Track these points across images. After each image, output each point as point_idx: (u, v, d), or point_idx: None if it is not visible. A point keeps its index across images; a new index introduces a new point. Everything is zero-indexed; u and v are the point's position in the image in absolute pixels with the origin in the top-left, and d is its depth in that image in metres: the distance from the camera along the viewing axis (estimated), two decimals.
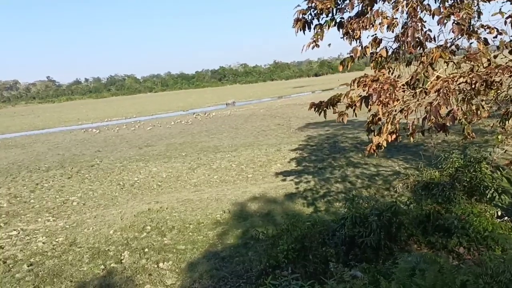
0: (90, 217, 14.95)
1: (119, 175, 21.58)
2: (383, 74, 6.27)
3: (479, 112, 6.47)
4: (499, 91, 7.41)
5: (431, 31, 6.20)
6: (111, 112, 77.48)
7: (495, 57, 6.09)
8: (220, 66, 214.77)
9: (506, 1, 6.38)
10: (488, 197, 10.20)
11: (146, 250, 11.58)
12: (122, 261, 11.05)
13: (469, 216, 7.95)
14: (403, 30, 6.70)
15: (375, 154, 6.79)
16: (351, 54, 7.05)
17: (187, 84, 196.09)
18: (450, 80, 5.75)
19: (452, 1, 6.62)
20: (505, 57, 6.01)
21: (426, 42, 6.75)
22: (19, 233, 13.96)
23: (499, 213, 9.42)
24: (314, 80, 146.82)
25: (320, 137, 27.28)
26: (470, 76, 5.70)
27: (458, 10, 5.82)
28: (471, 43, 6.30)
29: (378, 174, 16.93)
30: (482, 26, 6.75)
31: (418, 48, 6.78)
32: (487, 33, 6.52)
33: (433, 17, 6.16)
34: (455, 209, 8.42)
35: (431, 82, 6.14)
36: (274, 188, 16.24)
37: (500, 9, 5.97)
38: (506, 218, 9.34)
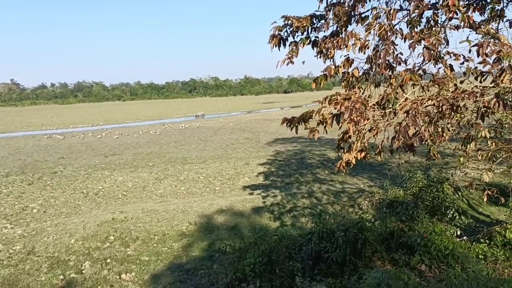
0: (50, 226, 14.44)
1: (83, 183, 21.01)
2: (355, 93, 6.44)
3: (444, 134, 6.74)
4: (462, 115, 7.78)
5: (402, 54, 6.45)
6: (77, 118, 75.60)
7: (461, 82, 6.37)
8: (191, 78, 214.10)
9: (472, 31, 6.72)
10: (449, 217, 10.56)
11: (109, 260, 11.29)
12: (83, 271, 10.73)
13: (431, 234, 8.20)
14: (374, 52, 6.95)
15: (344, 171, 6.93)
16: (325, 73, 7.22)
17: (156, 94, 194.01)
18: (418, 102, 5.97)
19: (422, 27, 6.94)
20: (471, 83, 6.30)
21: (395, 65, 7.03)
22: None
23: (459, 233, 9.76)
24: (284, 97, 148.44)
25: (288, 152, 27.51)
26: (438, 99, 5.94)
27: (428, 36, 6.07)
28: (438, 68, 6.58)
29: (343, 191, 17.22)
30: (448, 53, 7.08)
31: (388, 70, 7.04)
32: (453, 59, 6.84)
33: (404, 41, 6.40)
34: (418, 227, 8.67)
35: (400, 104, 6.36)
36: (241, 201, 16.23)
37: (468, 37, 6.27)
38: (465, 237, 9.70)
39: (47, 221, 15.16)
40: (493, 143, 8.50)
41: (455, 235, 9.56)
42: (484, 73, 6.02)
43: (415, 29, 6.72)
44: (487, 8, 7.94)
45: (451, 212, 10.48)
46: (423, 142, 5.93)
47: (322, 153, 26.20)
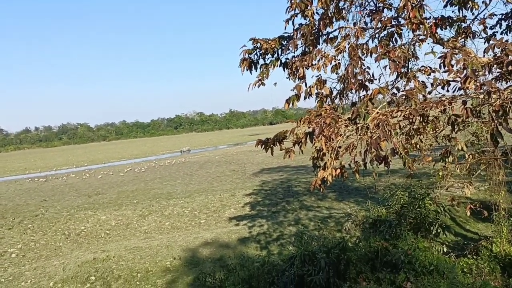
0: (29, 269, 13.93)
1: (64, 225, 20.45)
2: (326, 109, 6.39)
3: (418, 146, 6.70)
4: (437, 128, 7.76)
5: (369, 68, 6.46)
6: (61, 161, 74.74)
7: (429, 93, 6.38)
8: (176, 114, 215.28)
9: (436, 43, 6.80)
10: (433, 233, 10.40)
11: None
12: None
13: (415, 251, 8.03)
14: (345, 70, 6.95)
15: (321, 190, 6.78)
16: (295, 92, 7.19)
17: (142, 132, 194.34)
18: (388, 114, 5.94)
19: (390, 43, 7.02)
20: (439, 93, 6.32)
21: (369, 84, 7.04)
22: None
23: (445, 250, 9.60)
24: (269, 128, 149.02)
25: (274, 181, 27.36)
26: (408, 110, 5.92)
27: (393, 49, 6.11)
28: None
29: (330, 216, 17.01)
30: (420, 70, 7.16)
31: (362, 90, 7.03)
32: (423, 73, 6.90)
33: (371, 56, 6.43)
34: (401, 244, 8.50)
35: (371, 117, 6.32)
36: (227, 233, 15.89)
37: (432, 49, 6.35)
38: (452, 254, 9.53)
39: (25, 265, 14.62)
40: (470, 156, 8.47)
41: (441, 252, 9.40)
42: (449, 82, 6.05)
43: (381, 44, 6.78)
44: (454, 25, 8.14)
45: (435, 228, 10.35)
46: (396, 154, 5.85)
47: (308, 180, 26.06)
